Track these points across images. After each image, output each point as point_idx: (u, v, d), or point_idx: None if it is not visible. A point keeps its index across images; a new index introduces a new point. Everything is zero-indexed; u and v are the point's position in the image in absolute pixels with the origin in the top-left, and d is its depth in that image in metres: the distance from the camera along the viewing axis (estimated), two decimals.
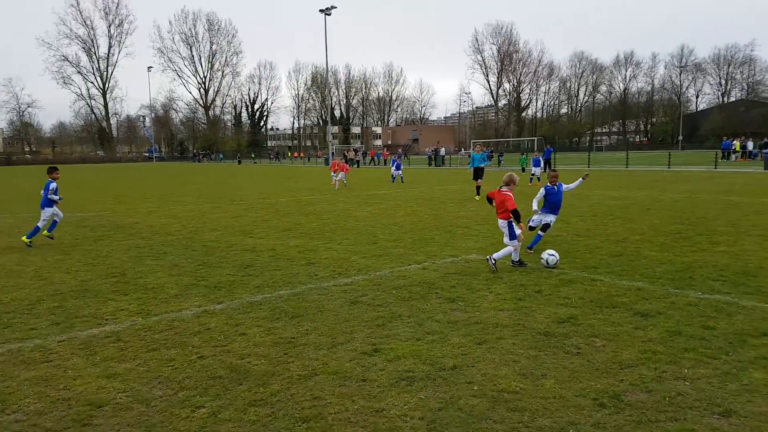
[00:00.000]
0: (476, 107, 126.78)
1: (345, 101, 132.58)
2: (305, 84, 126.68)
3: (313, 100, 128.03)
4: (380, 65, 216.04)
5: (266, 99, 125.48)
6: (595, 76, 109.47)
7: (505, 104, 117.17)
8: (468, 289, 6.85)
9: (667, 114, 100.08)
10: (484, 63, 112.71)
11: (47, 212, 11.19)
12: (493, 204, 8.22)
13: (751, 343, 4.76)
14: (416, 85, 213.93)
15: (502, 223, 8.01)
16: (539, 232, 9.39)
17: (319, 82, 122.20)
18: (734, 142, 46.27)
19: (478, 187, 18.78)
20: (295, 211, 16.28)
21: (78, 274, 8.36)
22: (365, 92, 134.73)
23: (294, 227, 12.81)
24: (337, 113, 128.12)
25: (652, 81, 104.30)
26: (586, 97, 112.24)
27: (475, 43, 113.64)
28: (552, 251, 7.99)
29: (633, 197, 17.21)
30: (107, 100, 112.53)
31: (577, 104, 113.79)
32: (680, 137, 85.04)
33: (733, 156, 43.23)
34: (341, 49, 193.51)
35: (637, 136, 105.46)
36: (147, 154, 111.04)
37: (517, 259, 8.01)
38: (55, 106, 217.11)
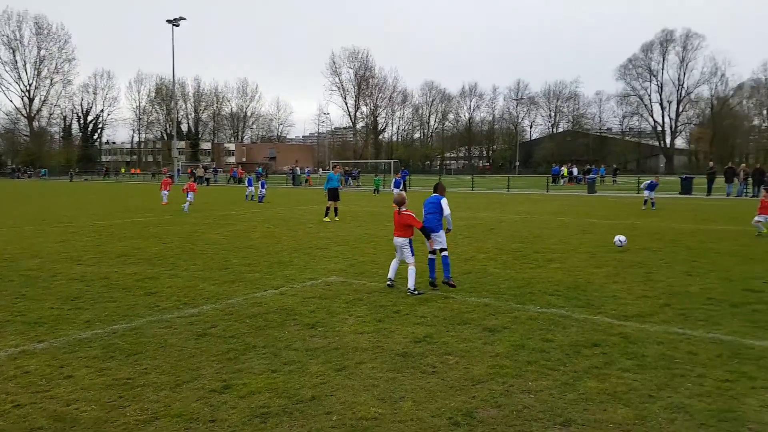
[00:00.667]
0: (335, 128, 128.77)
1: (194, 115, 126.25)
2: (148, 95, 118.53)
3: (157, 113, 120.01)
4: (233, 80, 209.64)
5: (102, 110, 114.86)
6: (443, 105, 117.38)
7: (363, 126, 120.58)
8: (328, 313, 6.71)
9: (506, 141, 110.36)
10: (342, 86, 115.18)
11: None
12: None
13: (584, 354, 5.21)
14: (273, 103, 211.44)
15: (402, 242, 7.94)
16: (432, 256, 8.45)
17: (164, 94, 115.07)
18: (562, 168, 52.44)
19: (328, 209, 18.19)
20: (134, 234, 14.87)
21: None
22: (217, 107, 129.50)
23: (132, 252, 11.63)
24: (184, 127, 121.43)
25: (493, 111, 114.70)
26: (437, 124, 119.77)
27: (332, 66, 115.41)
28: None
29: (479, 218, 18.50)
30: None
31: (428, 130, 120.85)
32: (517, 163, 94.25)
33: (561, 180, 48.87)
34: (190, 62, 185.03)
35: (481, 161, 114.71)
36: None
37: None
38: None
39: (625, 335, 5.72)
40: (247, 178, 32.94)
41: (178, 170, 63.93)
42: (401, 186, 28.11)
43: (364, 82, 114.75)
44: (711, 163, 33.05)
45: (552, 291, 7.72)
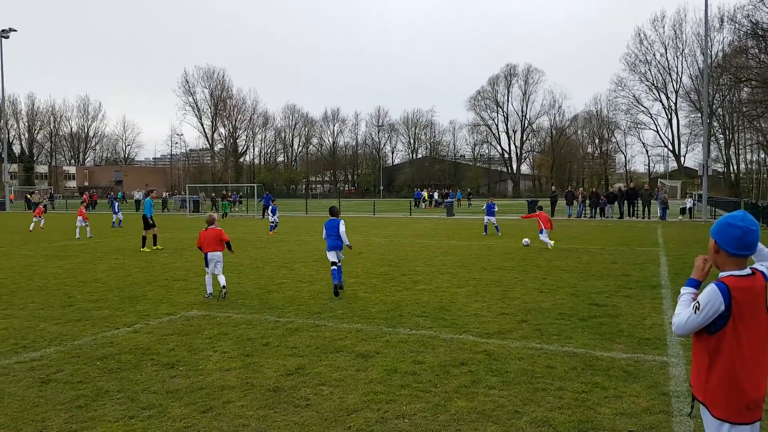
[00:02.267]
0: (190, 150, 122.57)
1: (27, 135, 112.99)
2: None
3: None
4: (73, 98, 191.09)
5: None
6: (307, 129, 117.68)
7: (221, 149, 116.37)
8: (189, 350, 6.30)
9: (369, 166, 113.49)
10: (197, 105, 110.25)
11: None
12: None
13: (453, 373, 5.44)
14: (119, 122, 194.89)
15: (216, 256, 9.23)
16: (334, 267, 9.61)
17: None
18: (423, 192, 55.10)
19: (144, 238, 16.88)
20: None
21: None
22: (54, 126, 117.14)
23: None
24: (16, 149, 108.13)
25: (356, 136, 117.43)
26: (300, 148, 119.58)
27: (185, 84, 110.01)
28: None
29: None
30: None
31: (292, 153, 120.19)
32: (381, 187, 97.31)
33: (423, 204, 51.29)
34: (23, 77, 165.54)
35: (346, 185, 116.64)
36: None
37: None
38: None
39: (489, 352, 6.07)
40: (114, 204, 30.66)
41: (10, 199, 56.46)
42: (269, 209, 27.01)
43: (221, 103, 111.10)
44: (553, 188, 36.86)
45: (420, 312, 8.03)
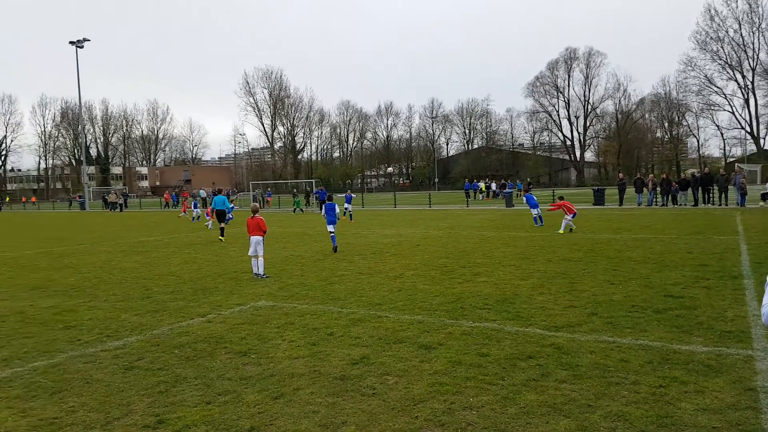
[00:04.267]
0: (252, 148, 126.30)
1: (103, 139, 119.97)
2: (54, 120, 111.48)
3: (64, 138, 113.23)
4: (143, 102, 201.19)
5: (5, 137, 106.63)
6: (361, 124, 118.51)
7: (280, 146, 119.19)
8: (260, 339, 6.53)
9: (423, 159, 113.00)
10: (257, 106, 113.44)
11: None
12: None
13: (520, 367, 5.35)
14: (186, 124, 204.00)
15: (256, 239, 10.91)
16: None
17: (71, 118, 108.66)
18: (480, 183, 54.20)
19: (222, 229, 19.28)
20: (46, 265, 13.85)
21: None
22: (127, 129, 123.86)
23: (46, 285, 10.86)
24: (93, 152, 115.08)
25: (410, 129, 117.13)
26: (355, 143, 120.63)
27: (246, 86, 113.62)
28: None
29: (403, 234, 18.79)
30: None
31: (347, 149, 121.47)
32: (436, 179, 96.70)
33: (480, 195, 50.55)
34: (97, 84, 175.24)
35: (401, 179, 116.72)
36: None
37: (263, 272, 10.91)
38: None
39: (558, 346, 5.91)
40: (192, 202, 33.23)
41: (84, 196, 60.22)
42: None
43: (280, 102, 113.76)
44: (621, 175, 35.30)
45: (482, 305, 7.95)
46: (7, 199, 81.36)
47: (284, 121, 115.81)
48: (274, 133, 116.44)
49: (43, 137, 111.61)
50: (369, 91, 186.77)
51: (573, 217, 17.61)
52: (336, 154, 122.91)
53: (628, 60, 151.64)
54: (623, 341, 6.03)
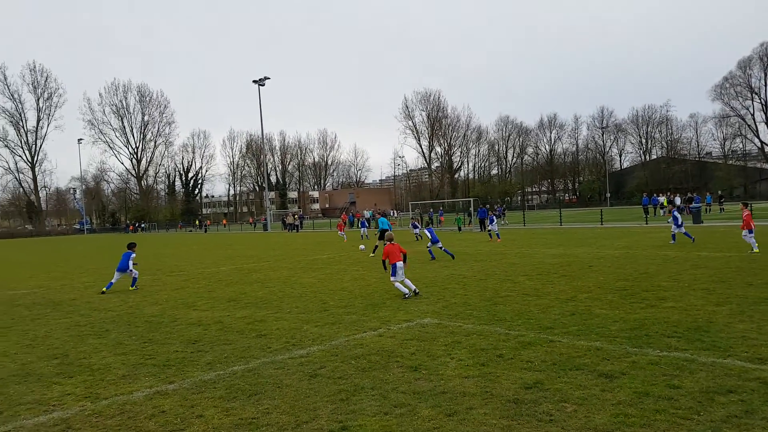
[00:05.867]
0: (410, 170, 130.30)
1: (281, 167, 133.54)
2: (240, 151, 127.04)
3: (249, 167, 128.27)
4: (314, 131, 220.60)
5: (200, 167, 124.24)
6: (521, 139, 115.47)
7: (438, 166, 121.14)
8: (429, 355, 6.67)
9: (592, 172, 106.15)
10: (416, 128, 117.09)
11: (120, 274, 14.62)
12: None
13: (719, 401, 4.77)
14: (351, 150, 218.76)
15: (400, 264, 11.17)
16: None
17: (254, 149, 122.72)
18: (661, 197, 48.97)
19: (376, 246, 21.00)
20: (238, 279, 15.71)
21: (17, 357, 7.73)
22: (301, 158, 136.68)
23: (239, 297, 12.31)
24: (273, 179, 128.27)
25: (576, 141, 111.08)
26: (515, 159, 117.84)
27: (405, 110, 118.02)
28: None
29: (572, 254, 17.80)
30: (36, 173, 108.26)
31: (506, 165, 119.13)
32: (608, 194, 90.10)
33: (661, 211, 45.76)
34: (275, 117, 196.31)
35: (566, 195, 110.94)
36: (78, 227, 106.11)
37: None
38: None
39: (764, 380, 5.16)
40: (360, 221, 36.62)
41: (270, 218, 67.11)
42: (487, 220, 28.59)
43: (437, 123, 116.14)
44: None
45: (670, 333, 7.20)
46: (208, 222, 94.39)
47: (441, 141, 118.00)
48: (432, 154, 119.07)
49: (231, 167, 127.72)
50: (529, 105, 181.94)
51: (750, 234, 15.82)
52: (494, 171, 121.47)
53: None
54: None
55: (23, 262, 29.86)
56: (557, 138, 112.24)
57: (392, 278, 11.21)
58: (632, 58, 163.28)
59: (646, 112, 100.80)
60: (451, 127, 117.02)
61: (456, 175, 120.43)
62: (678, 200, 48.04)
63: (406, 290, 11.06)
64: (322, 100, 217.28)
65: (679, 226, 19.65)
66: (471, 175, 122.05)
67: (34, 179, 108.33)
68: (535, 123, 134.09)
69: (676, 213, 20.31)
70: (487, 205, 48.80)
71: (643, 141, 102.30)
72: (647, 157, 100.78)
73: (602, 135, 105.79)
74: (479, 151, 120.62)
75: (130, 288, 14.60)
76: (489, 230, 26.97)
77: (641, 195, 52.10)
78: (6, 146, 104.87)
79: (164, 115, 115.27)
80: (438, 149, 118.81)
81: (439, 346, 7.10)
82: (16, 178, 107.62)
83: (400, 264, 11.14)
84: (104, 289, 14.38)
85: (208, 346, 7.76)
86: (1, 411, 5.43)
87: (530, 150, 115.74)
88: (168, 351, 7.61)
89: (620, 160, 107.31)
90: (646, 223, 33.33)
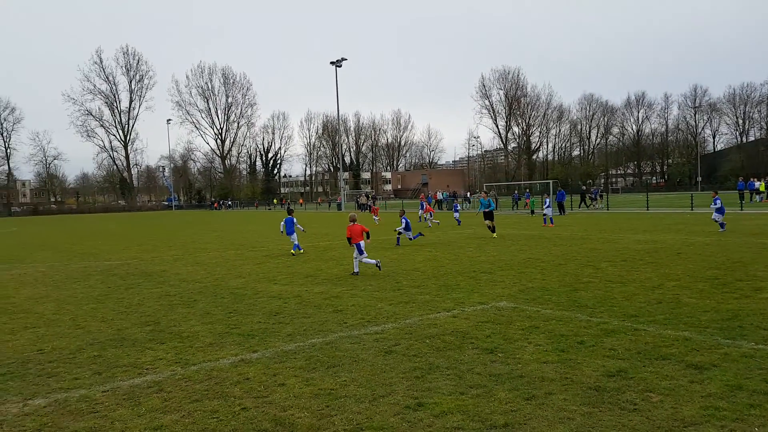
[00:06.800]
0: (485, 151, 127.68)
1: (355, 148, 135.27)
2: (317, 132, 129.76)
3: (324, 148, 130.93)
4: (388, 112, 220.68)
5: (279, 148, 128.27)
6: (606, 118, 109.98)
7: (514, 147, 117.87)
8: (505, 339, 6.61)
9: (683, 155, 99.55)
10: (492, 107, 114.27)
11: (294, 236, 16.77)
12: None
13: None
14: (424, 131, 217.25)
15: (362, 243, 12.20)
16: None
17: (330, 130, 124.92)
18: (757, 183, 45.26)
19: (490, 227, 20.25)
20: (315, 257, 16.18)
21: (113, 323, 8.38)
22: (374, 139, 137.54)
23: (316, 273, 12.70)
24: (347, 159, 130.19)
25: (666, 122, 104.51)
26: (598, 139, 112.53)
27: (482, 89, 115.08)
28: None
29: (660, 241, 16.88)
30: (128, 152, 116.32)
31: (589, 146, 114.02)
32: (699, 178, 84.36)
33: (757, 197, 42.37)
34: (351, 98, 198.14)
35: (653, 178, 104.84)
36: (166, 203, 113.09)
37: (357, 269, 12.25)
38: (79, 158, 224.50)
39: None
40: (454, 204, 36.76)
41: (344, 198, 68.39)
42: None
43: (516, 102, 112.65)
44: None
45: (767, 325, 6.71)
46: (284, 200, 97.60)
47: (519, 121, 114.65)
48: (509, 134, 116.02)
49: (308, 147, 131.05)
50: (616, 82, 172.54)
51: None
52: (575, 153, 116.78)
53: None
54: None
55: (117, 234, 32.19)
56: (645, 118, 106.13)
57: (355, 256, 12.28)
58: (730, 32, 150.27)
59: (744, 91, 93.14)
60: (530, 106, 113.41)
61: (534, 156, 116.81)
62: None
63: (357, 270, 12.19)
64: (398, 81, 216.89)
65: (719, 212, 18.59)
66: (550, 157, 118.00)
67: (127, 157, 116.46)
68: (621, 101, 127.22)
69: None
70: (585, 187, 46.78)
71: (740, 121, 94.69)
72: (744, 138, 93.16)
73: (695, 115, 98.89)
74: (560, 131, 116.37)
75: (292, 252, 16.61)
76: (543, 215, 26.11)
77: (736, 179, 48.41)
78: (102, 126, 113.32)
79: (246, 97, 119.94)
80: (515, 129, 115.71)
81: (516, 330, 7.00)
82: (110, 156, 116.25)
83: (362, 243, 12.21)
84: (292, 251, 16.62)
85: (288, 319, 8.09)
86: (100, 372, 5.92)
87: (615, 130, 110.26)
88: (251, 322, 8.01)
89: (714, 142, 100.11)
90: (741, 210, 30.97)
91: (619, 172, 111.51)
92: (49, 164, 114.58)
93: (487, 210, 20.79)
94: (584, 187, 44.42)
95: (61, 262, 17.51)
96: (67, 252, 21.20)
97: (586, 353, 5.95)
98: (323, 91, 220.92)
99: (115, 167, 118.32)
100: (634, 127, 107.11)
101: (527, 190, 46.71)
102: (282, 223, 17.08)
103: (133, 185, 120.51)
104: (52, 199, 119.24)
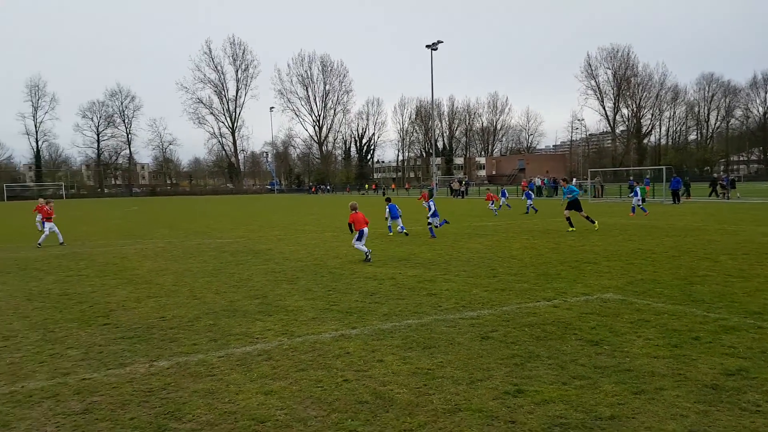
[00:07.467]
0: (590, 134, 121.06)
1: (448, 132, 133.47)
2: (410, 118, 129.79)
3: (417, 133, 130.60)
4: (484, 95, 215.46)
5: (373, 134, 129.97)
6: (728, 100, 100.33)
7: (623, 131, 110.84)
8: (611, 331, 6.29)
9: None
10: (599, 88, 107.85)
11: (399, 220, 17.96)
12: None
13: None
14: (522, 114, 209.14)
15: (365, 230, 12.75)
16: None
17: (423, 115, 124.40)
18: None
19: (569, 219, 18.22)
20: (407, 241, 16.31)
21: (226, 295, 9.01)
22: (469, 123, 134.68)
23: (409, 257, 12.81)
24: (440, 145, 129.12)
25: None
26: (718, 123, 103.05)
27: (588, 69, 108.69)
28: None
29: None
30: (236, 138, 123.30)
31: (707, 130, 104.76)
32: None
33: None
34: (445, 81, 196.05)
35: None
36: (269, 187, 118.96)
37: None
38: (192, 144, 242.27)
39: None
40: (526, 192, 35.31)
41: (437, 184, 68.16)
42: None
43: (625, 83, 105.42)
44: None
45: None
46: (374, 186, 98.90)
47: (629, 103, 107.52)
48: (616, 117, 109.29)
49: (401, 133, 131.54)
50: (739, 60, 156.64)
51: None
52: (692, 137, 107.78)
53: None
54: None
55: (227, 215, 34.40)
56: None
57: (354, 242, 12.64)
58: None
59: None
60: (641, 87, 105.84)
61: (644, 141, 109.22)
62: None
63: (367, 249, 12.42)
64: (495, 64, 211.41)
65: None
66: (663, 141, 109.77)
67: (234, 143, 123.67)
68: (746, 81, 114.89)
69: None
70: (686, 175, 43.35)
71: None
72: None
73: None
74: (674, 113, 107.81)
75: (406, 232, 17.63)
76: (635, 204, 24.15)
77: None
78: (212, 113, 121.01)
79: (343, 84, 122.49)
80: (624, 111, 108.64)
81: (624, 323, 6.64)
82: (219, 142, 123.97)
83: (365, 230, 12.69)
84: (406, 232, 17.64)
85: (384, 299, 8.25)
86: (216, 339, 6.41)
87: (738, 113, 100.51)
88: (349, 300, 8.28)
89: None
90: None
91: (741, 158, 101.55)
92: (165, 149, 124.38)
93: (570, 198, 18.28)
94: (715, 175, 40.61)
95: (177, 238, 19.04)
96: (183, 230, 22.99)
97: (701, 350, 5.54)
98: (418, 76, 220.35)
99: (223, 152, 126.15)
100: (760, 109, 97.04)
101: (647, 177, 43.49)
102: (387, 210, 18.21)
103: (240, 170, 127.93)
104: (168, 182, 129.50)
